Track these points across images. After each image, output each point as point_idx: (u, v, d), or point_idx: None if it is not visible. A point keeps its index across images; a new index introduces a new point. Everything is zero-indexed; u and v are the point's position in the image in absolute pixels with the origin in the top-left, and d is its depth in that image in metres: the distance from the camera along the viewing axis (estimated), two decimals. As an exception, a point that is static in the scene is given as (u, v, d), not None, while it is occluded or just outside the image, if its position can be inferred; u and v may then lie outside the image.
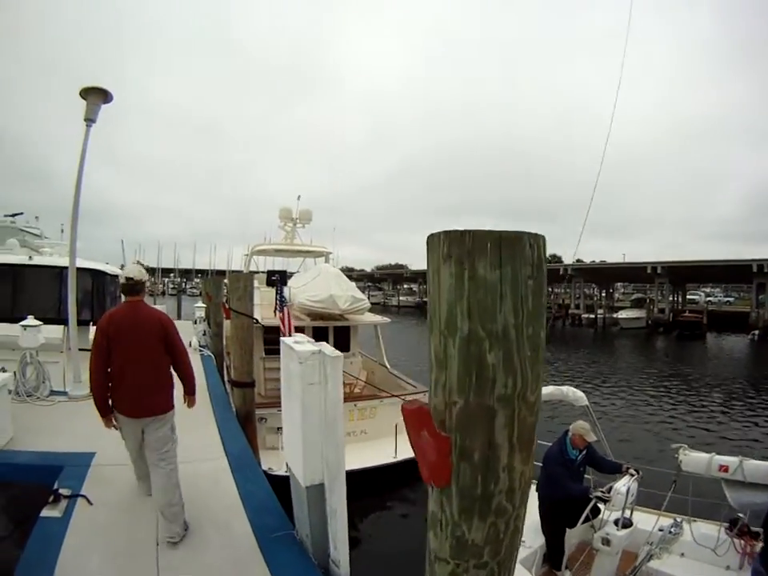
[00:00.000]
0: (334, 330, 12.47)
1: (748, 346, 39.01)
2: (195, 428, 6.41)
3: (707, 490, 5.83)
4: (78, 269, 8.30)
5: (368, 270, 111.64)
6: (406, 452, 9.33)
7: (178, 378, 4.52)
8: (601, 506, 5.51)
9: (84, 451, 5.35)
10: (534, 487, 5.46)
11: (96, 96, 7.58)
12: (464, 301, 1.41)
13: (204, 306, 16.61)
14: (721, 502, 5.57)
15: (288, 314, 10.24)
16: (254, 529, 4.13)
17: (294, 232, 16.60)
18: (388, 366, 13.25)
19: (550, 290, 57.38)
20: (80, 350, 7.58)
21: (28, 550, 3.66)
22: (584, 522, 5.46)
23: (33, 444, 5.54)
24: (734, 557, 5.29)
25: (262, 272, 16.41)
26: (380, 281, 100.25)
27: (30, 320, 7.45)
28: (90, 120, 7.69)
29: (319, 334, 11.77)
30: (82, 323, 8.21)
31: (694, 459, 5.73)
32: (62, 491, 4.36)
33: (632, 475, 5.66)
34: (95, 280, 10.77)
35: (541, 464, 5.56)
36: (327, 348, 3.69)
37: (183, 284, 70.77)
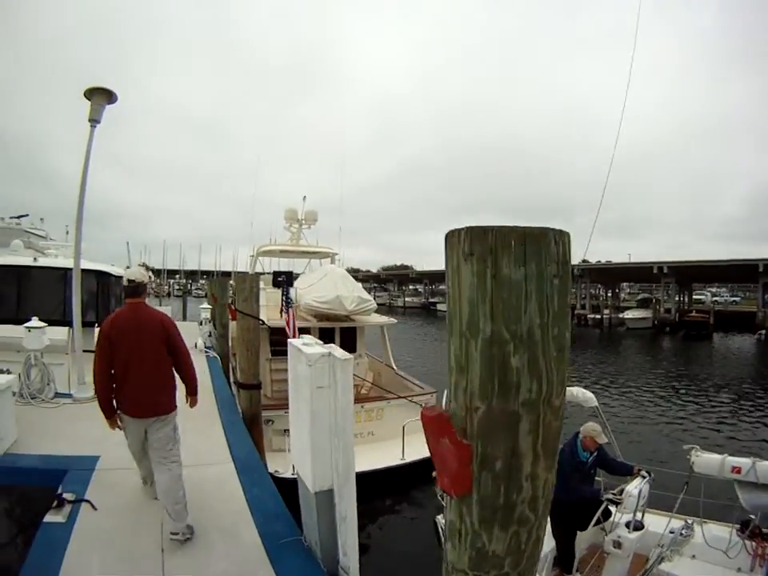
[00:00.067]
0: (340, 331, 12.40)
1: (755, 345, 38.83)
2: (201, 431, 6.36)
3: (719, 491, 5.74)
4: (83, 270, 8.27)
5: (373, 270, 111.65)
6: (413, 454, 9.27)
7: (180, 379, 4.53)
8: (612, 508, 5.45)
9: (88, 454, 5.29)
10: None
11: (100, 96, 7.54)
12: (487, 301, 1.33)
13: (209, 307, 16.58)
14: (733, 503, 5.48)
15: (292, 315, 10.18)
16: (261, 535, 4.06)
17: (300, 233, 16.53)
18: (395, 367, 13.17)
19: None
20: (85, 351, 7.52)
21: (31, 555, 3.60)
22: (595, 525, 5.40)
23: (37, 447, 5.48)
24: (746, 559, 5.22)
25: (268, 273, 16.35)
26: (385, 281, 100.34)
27: (35, 321, 7.42)
28: (94, 121, 7.64)
29: (326, 335, 11.71)
30: (87, 324, 8.15)
31: (706, 461, 5.65)
32: (66, 496, 4.29)
33: (643, 477, 5.60)
34: (100, 281, 10.74)
35: None
36: (337, 350, 3.60)
37: (189, 285, 70.83)
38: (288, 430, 8.52)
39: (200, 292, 65.86)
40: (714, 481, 5.63)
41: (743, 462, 5.42)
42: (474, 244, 1.34)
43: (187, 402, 4.70)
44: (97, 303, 10.48)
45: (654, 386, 20.36)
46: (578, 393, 6.68)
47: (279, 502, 4.68)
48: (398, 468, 9.09)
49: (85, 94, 7.50)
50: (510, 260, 1.31)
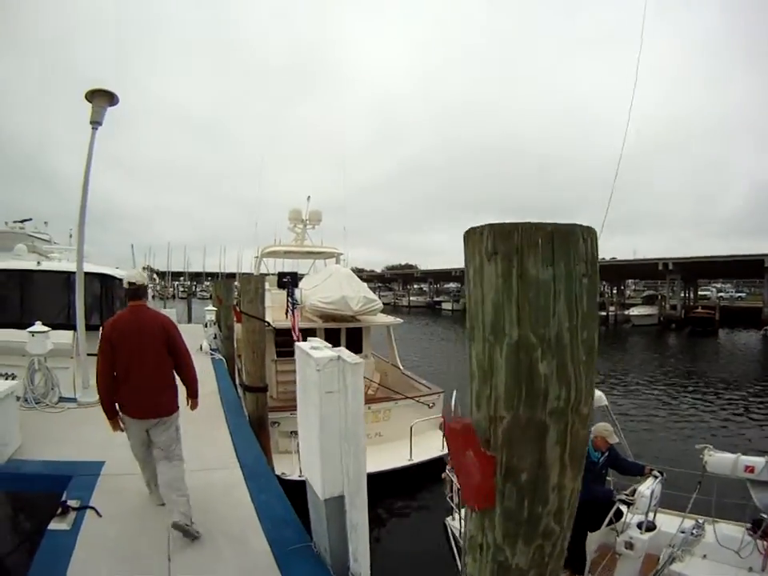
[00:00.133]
0: (346, 332, 12.33)
1: (761, 341, 38.61)
2: (207, 435, 6.30)
3: (731, 490, 5.66)
4: (87, 273, 8.23)
5: (378, 270, 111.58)
6: (421, 454, 9.22)
7: (181, 381, 4.54)
8: (623, 508, 5.38)
9: (93, 460, 5.23)
10: None
11: (102, 99, 7.48)
12: (513, 303, 1.25)
13: (214, 309, 16.52)
14: (746, 502, 5.40)
15: (296, 316, 10.12)
16: (269, 541, 3.98)
17: (305, 233, 16.46)
18: (401, 367, 13.08)
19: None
20: (89, 355, 7.47)
21: (36, 564, 3.54)
22: (607, 525, 5.33)
23: (41, 453, 5.42)
24: (758, 558, 5.11)
25: (272, 274, 16.29)
26: (390, 281, 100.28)
27: (38, 326, 7.37)
28: (96, 123, 7.59)
29: (331, 336, 11.66)
30: (92, 328, 8.09)
31: (719, 460, 5.56)
32: (71, 503, 4.23)
33: (655, 477, 5.54)
34: (104, 284, 10.69)
35: None
36: (346, 354, 3.51)
37: (193, 287, 70.88)
38: (294, 432, 8.50)
39: (205, 294, 65.88)
40: (726, 480, 5.53)
41: (757, 461, 5.34)
42: (498, 242, 1.26)
43: (188, 404, 4.67)
44: (101, 306, 10.43)
45: (661, 384, 20.23)
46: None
47: (288, 507, 4.60)
48: (406, 469, 9.05)
49: (86, 96, 7.43)
50: (537, 259, 1.23)
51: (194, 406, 4.72)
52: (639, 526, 5.34)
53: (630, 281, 78.98)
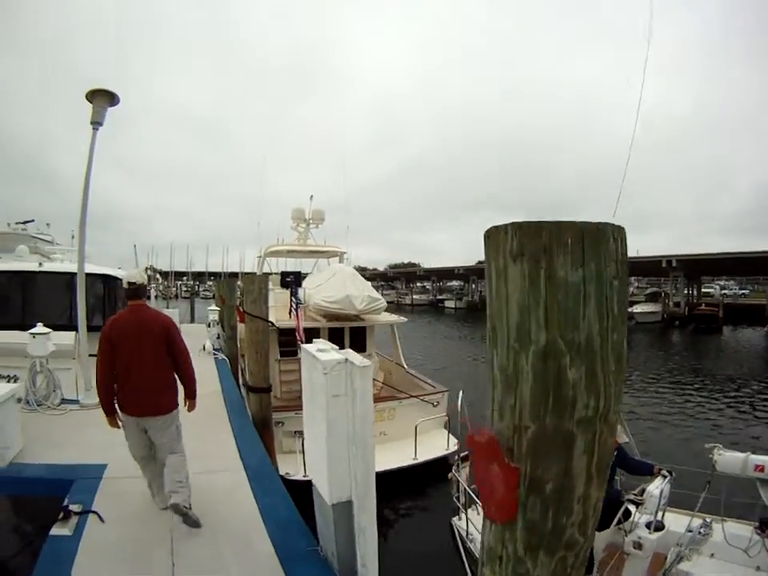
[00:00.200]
0: (349, 331, 12.27)
1: (765, 338, 38.43)
2: (210, 436, 6.25)
3: (740, 489, 5.60)
4: (89, 274, 8.19)
5: (381, 268, 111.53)
6: (426, 453, 9.18)
7: (179, 380, 4.54)
8: (632, 508, 5.34)
9: (95, 463, 5.18)
10: None
11: (102, 99, 7.43)
12: (540, 306, 1.18)
13: (217, 308, 16.48)
14: (755, 501, 5.35)
15: (300, 317, 10.06)
16: (274, 545, 3.92)
17: (308, 232, 16.40)
18: (405, 366, 13.01)
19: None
20: (91, 355, 7.43)
21: (38, 570, 3.49)
22: (615, 525, 5.31)
23: (43, 456, 5.37)
24: (766, 557, 5.09)
25: (275, 273, 16.24)
26: (393, 279, 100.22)
27: (39, 328, 7.34)
28: (96, 123, 7.54)
29: (335, 335, 11.61)
30: (94, 329, 8.05)
31: (728, 459, 5.51)
32: (73, 507, 4.18)
33: (664, 477, 5.49)
34: (107, 285, 10.65)
35: None
36: (354, 356, 3.43)
37: (196, 287, 70.88)
38: (298, 431, 8.45)
39: (208, 293, 65.89)
40: (735, 479, 5.47)
41: (767, 460, 5.29)
42: (525, 242, 1.19)
43: (185, 404, 4.64)
44: (104, 307, 10.38)
45: (666, 382, 20.12)
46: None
47: (293, 510, 4.54)
48: (411, 468, 9.00)
49: (86, 97, 7.39)
50: (566, 260, 1.16)
51: (191, 407, 4.69)
52: (648, 525, 5.32)
53: (633, 278, 78.82)
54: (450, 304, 72.32)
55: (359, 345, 12.09)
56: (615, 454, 5.48)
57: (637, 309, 49.67)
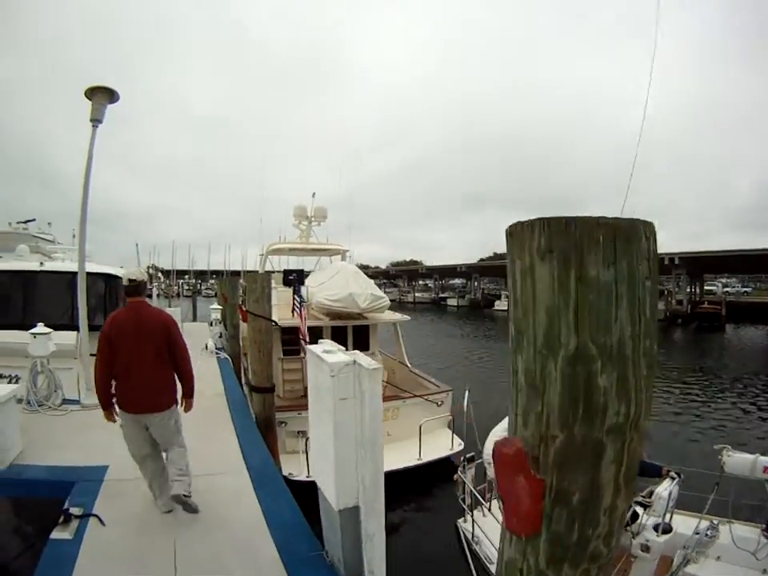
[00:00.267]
0: (353, 329, 12.21)
1: (768, 337, 38.46)
2: (213, 437, 6.19)
3: (750, 491, 5.54)
4: (90, 273, 8.14)
5: (383, 266, 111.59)
6: (430, 453, 9.12)
7: (177, 378, 4.51)
8: (639, 510, 5.28)
9: (97, 464, 5.11)
10: None
11: (102, 96, 7.36)
12: (570, 309, 1.10)
13: (220, 307, 16.42)
14: (765, 503, 5.33)
15: (303, 316, 10.00)
16: (279, 549, 3.85)
17: (310, 230, 16.33)
18: (409, 365, 12.93)
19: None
20: (92, 355, 7.37)
21: (38, 574, 3.41)
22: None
23: (43, 457, 5.30)
24: None
25: (278, 271, 16.17)
26: (395, 277, 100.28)
27: (40, 328, 7.28)
28: (96, 120, 7.48)
29: (338, 334, 11.55)
30: (95, 328, 7.99)
31: (737, 461, 5.48)
32: (73, 510, 4.11)
33: (673, 479, 5.43)
34: (108, 284, 10.58)
35: None
36: (362, 358, 3.34)
37: (198, 285, 70.77)
38: (301, 431, 8.39)
39: (210, 292, 65.81)
40: (743, 480, 5.45)
41: None
42: (554, 239, 1.10)
43: (181, 404, 4.59)
44: (105, 306, 10.30)
45: (670, 380, 19.99)
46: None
47: (297, 513, 4.47)
48: (416, 468, 8.94)
49: (86, 94, 7.33)
50: (598, 258, 1.08)
51: (188, 407, 4.65)
52: (655, 528, 5.29)
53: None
54: (452, 302, 72.37)
55: (362, 343, 12.03)
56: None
57: (640, 306, 49.58)
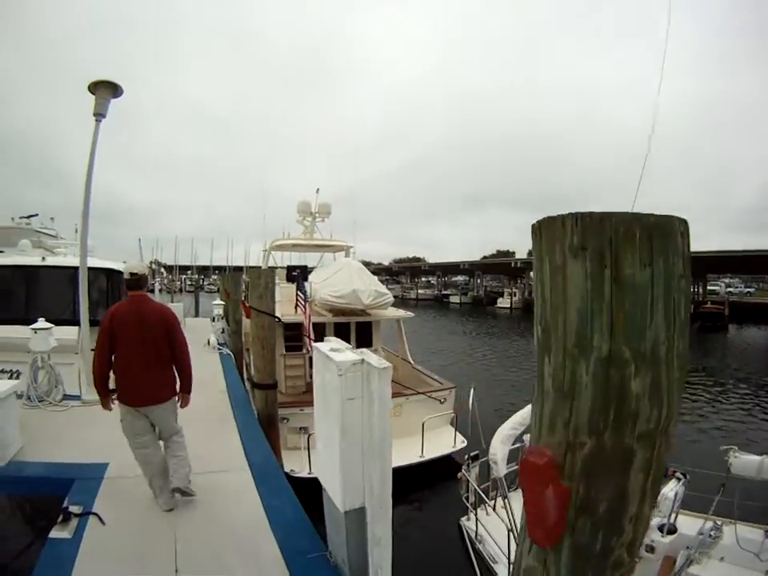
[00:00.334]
0: (355, 326, 12.16)
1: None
2: (215, 434, 6.14)
3: (756, 492, 5.50)
4: (92, 268, 8.11)
5: (386, 263, 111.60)
6: (433, 450, 9.07)
7: (177, 374, 4.51)
8: None
9: (97, 462, 5.06)
10: None
11: (105, 90, 7.31)
12: (604, 311, 1.03)
13: (222, 303, 16.37)
14: None
15: (308, 313, 9.94)
16: (281, 548, 3.79)
17: (314, 226, 16.26)
18: (412, 362, 12.86)
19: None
20: (93, 350, 7.35)
21: (36, 575, 3.36)
22: None
23: (43, 454, 5.25)
24: None
25: (281, 267, 16.12)
26: (398, 274, 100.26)
27: (41, 323, 7.24)
28: (99, 115, 7.42)
29: (341, 330, 11.50)
30: (97, 323, 7.96)
31: (744, 462, 5.47)
32: (72, 509, 4.05)
33: (678, 479, 5.39)
34: (110, 279, 10.53)
35: None
36: (371, 357, 3.25)
37: (201, 281, 70.77)
38: (303, 428, 8.35)
39: (212, 287, 65.83)
40: (750, 481, 5.41)
41: None
42: (587, 235, 1.04)
43: (178, 400, 4.56)
44: (107, 302, 10.26)
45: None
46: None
47: (300, 512, 4.42)
48: (418, 466, 8.89)
49: (89, 88, 7.27)
50: (634, 258, 1.02)
51: (185, 403, 4.61)
52: (660, 528, 5.26)
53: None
54: (454, 299, 72.28)
55: (365, 340, 12.01)
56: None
57: (641, 306, 49.54)
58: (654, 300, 1.04)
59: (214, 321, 15.76)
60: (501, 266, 74.04)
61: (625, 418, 1.07)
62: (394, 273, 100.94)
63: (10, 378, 7.84)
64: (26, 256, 10.48)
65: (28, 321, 7.53)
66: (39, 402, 7.02)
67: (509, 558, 4.84)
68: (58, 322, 7.69)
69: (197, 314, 30.40)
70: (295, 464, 7.87)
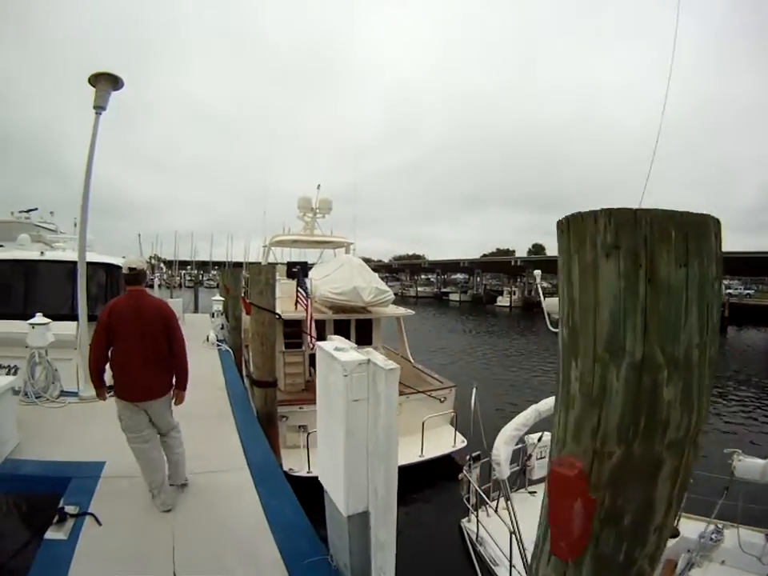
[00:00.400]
0: (356, 323, 12.09)
1: (771, 340, 38.31)
2: (213, 432, 6.07)
3: (760, 496, 5.45)
4: (91, 263, 8.05)
5: (385, 260, 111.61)
6: (433, 450, 9.01)
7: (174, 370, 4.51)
8: None
9: (93, 460, 4.98)
10: None
11: (105, 82, 7.21)
12: (638, 313, 0.96)
13: (222, 299, 16.29)
14: None
15: (309, 311, 9.87)
16: (281, 552, 3.71)
17: (314, 222, 16.18)
18: (412, 360, 12.79)
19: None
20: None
21: (31, 576, 3.28)
22: None
23: (39, 452, 5.17)
24: None
25: (281, 263, 16.05)
26: (398, 271, 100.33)
27: (39, 318, 7.18)
28: (99, 108, 7.33)
29: (341, 327, 11.44)
30: (96, 318, 7.89)
31: (748, 465, 5.45)
32: (68, 509, 3.98)
33: None
34: (110, 274, 10.47)
35: None
36: (378, 357, 3.17)
37: (200, 276, 70.78)
38: (303, 426, 8.28)
39: (212, 283, 65.83)
40: (753, 485, 5.41)
41: None
42: (622, 234, 0.97)
43: (172, 396, 4.52)
44: (106, 297, 10.19)
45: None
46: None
47: (300, 513, 4.34)
48: (418, 465, 8.83)
49: (89, 80, 7.19)
50: (670, 258, 0.95)
51: (179, 400, 4.56)
52: None
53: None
54: (454, 297, 72.38)
55: (365, 337, 11.96)
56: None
57: (641, 307, 49.64)
58: (689, 302, 0.98)
59: (213, 317, 15.69)
60: (501, 265, 74.09)
61: (656, 426, 1.02)
62: (393, 270, 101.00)
63: (7, 373, 7.77)
64: (25, 250, 10.42)
65: (26, 315, 7.47)
66: (36, 398, 6.94)
67: (510, 561, 4.78)
68: (56, 317, 7.64)
69: (196, 310, 30.36)
70: (294, 463, 7.81)
